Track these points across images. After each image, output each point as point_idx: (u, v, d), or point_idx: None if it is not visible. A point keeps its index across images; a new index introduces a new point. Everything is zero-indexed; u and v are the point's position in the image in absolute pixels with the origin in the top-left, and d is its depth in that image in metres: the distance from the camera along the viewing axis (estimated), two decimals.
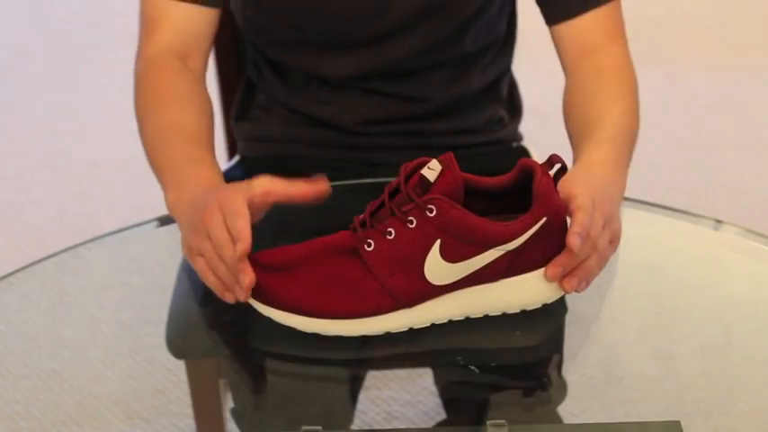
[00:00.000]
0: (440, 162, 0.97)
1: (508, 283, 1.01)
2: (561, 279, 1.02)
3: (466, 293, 1.01)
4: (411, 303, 1.00)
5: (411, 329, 1.02)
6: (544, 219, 0.98)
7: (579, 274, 1.02)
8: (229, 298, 1.03)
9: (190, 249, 1.05)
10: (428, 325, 1.02)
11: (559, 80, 1.31)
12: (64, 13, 3.92)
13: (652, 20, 3.60)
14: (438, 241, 0.97)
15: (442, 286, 1.00)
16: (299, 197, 1.05)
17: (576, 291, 1.03)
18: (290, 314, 1.01)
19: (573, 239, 0.98)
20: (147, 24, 1.29)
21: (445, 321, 1.03)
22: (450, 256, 0.98)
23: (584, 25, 1.28)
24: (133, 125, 1.23)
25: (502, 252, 0.98)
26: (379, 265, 0.98)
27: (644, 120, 1.23)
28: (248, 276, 0.99)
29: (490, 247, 0.98)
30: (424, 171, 0.97)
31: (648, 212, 1.28)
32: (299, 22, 1.33)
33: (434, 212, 0.96)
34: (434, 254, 0.97)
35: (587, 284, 1.03)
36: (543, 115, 2.15)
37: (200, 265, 1.04)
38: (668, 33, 3.61)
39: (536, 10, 1.32)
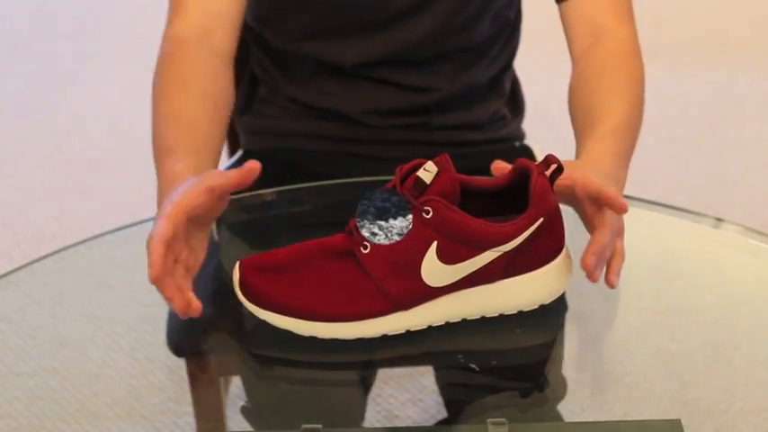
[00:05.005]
0: (435, 164, 0.97)
1: (505, 284, 1.01)
2: (607, 276, 1.02)
3: (463, 295, 1.01)
4: (408, 306, 1.00)
5: (408, 332, 1.02)
6: (541, 219, 0.98)
7: (617, 263, 1.03)
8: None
9: None
10: (425, 327, 1.02)
11: (562, 78, 1.31)
12: (64, 12, 3.92)
13: (652, 19, 3.59)
14: (435, 243, 0.96)
15: (438, 288, 0.99)
16: (237, 183, 1.03)
17: (611, 286, 1.03)
18: (285, 317, 1.00)
19: (620, 202, 0.99)
20: (174, 4, 1.27)
21: (442, 323, 1.02)
22: (446, 257, 0.97)
23: (593, 3, 1.27)
24: (133, 124, 1.23)
25: (499, 253, 0.98)
26: (376, 268, 0.98)
27: (645, 118, 1.23)
28: (177, 303, 0.95)
29: (487, 249, 0.97)
30: (420, 173, 0.97)
31: (649, 210, 1.28)
32: (308, 7, 1.33)
33: (431, 214, 0.96)
34: (431, 256, 0.97)
35: (618, 277, 1.03)
36: (546, 113, 2.15)
37: None
38: (668, 33, 3.61)
39: (537, 8, 1.32)
